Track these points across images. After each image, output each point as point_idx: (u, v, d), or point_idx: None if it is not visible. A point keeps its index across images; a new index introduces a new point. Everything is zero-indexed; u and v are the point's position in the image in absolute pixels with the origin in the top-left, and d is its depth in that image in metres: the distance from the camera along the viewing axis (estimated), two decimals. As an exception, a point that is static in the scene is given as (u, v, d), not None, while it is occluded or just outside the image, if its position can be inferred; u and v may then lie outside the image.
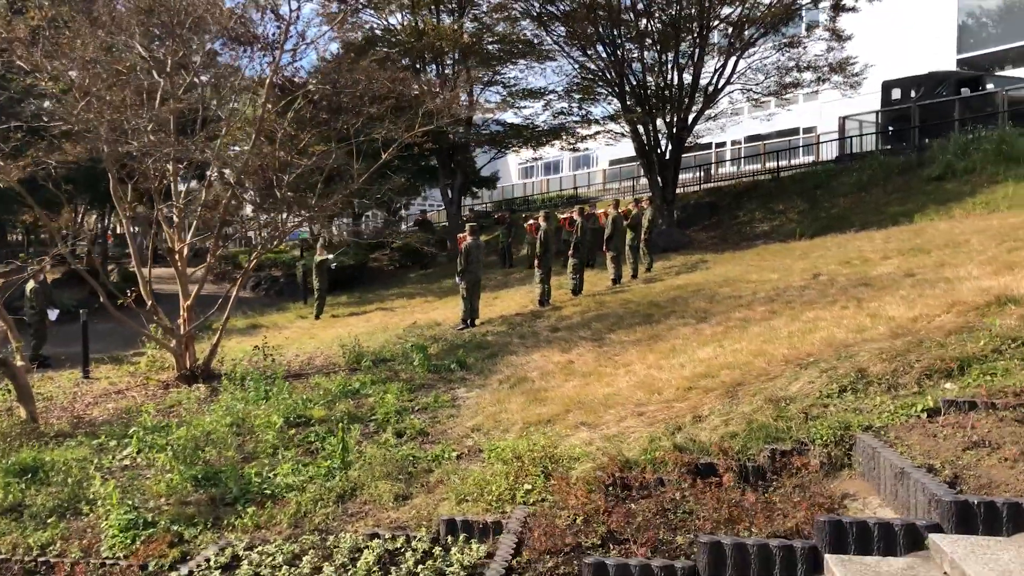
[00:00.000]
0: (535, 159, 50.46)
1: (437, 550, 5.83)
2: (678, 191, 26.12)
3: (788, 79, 24.00)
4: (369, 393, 10.44)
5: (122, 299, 12.37)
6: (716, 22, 23.97)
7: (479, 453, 7.72)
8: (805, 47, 24.00)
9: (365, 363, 12.00)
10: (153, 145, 11.51)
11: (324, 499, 6.99)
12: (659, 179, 24.74)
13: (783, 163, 30.57)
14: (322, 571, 5.78)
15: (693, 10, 22.80)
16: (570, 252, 16.37)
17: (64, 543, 7.05)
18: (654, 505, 5.45)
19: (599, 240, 17.69)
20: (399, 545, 6.01)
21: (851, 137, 27.18)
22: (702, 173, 31.35)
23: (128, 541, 6.80)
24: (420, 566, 5.60)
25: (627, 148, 47.57)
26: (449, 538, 5.98)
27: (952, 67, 30.22)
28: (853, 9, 23.31)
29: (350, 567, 5.76)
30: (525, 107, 27.98)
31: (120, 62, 11.30)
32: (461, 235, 15.51)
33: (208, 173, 12.82)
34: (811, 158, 31.11)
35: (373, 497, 6.92)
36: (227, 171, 12.01)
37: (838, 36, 22.71)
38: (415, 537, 6.08)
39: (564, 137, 28.03)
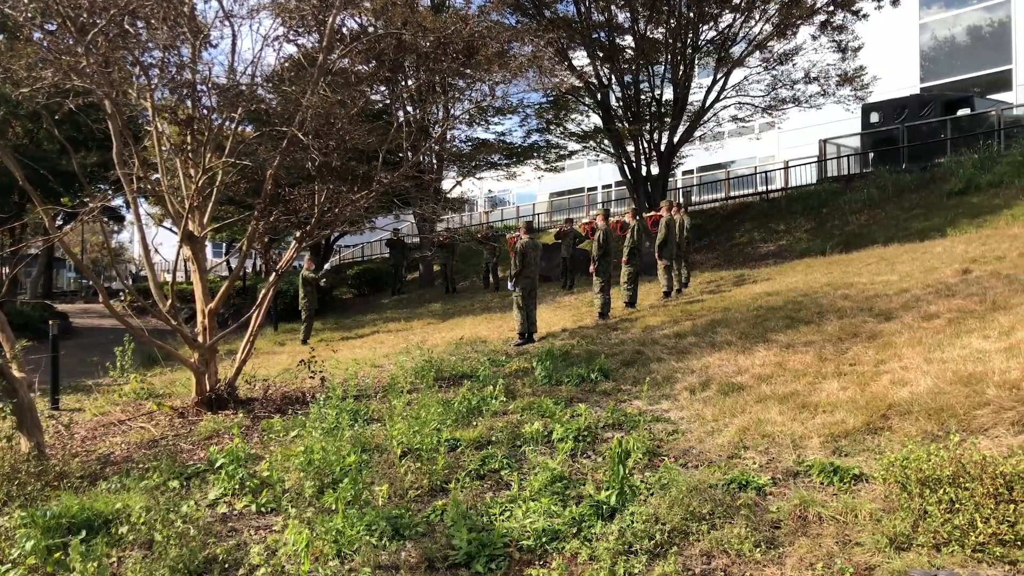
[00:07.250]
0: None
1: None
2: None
3: (788, 93, 22.85)
4: (506, 410, 7.86)
5: (124, 298, 9.33)
6: (705, 36, 22.70)
7: (794, 476, 5.35)
8: (795, 63, 23.03)
9: (486, 374, 9.39)
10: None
11: (636, 551, 4.44)
12: (647, 202, 23.04)
13: (748, 190, 29.86)
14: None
15: (683, 21, 21.36)
16: (624, 259, 14.16)
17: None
18: None
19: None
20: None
21: (831, 160, 26.54)
22: (683, 198, 29.98)
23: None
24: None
25: (566, 181, 46.42)
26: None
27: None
28: (842, 28, 22.54)
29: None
30: (496, 123, 25.80)
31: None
32: (512, 235, 13.08)
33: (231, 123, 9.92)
34: (774, 185, 30.36)
35: (716, 544, 4.43)
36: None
37: (843, 49, 21.81)
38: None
39: (541, 155, 25.91)
